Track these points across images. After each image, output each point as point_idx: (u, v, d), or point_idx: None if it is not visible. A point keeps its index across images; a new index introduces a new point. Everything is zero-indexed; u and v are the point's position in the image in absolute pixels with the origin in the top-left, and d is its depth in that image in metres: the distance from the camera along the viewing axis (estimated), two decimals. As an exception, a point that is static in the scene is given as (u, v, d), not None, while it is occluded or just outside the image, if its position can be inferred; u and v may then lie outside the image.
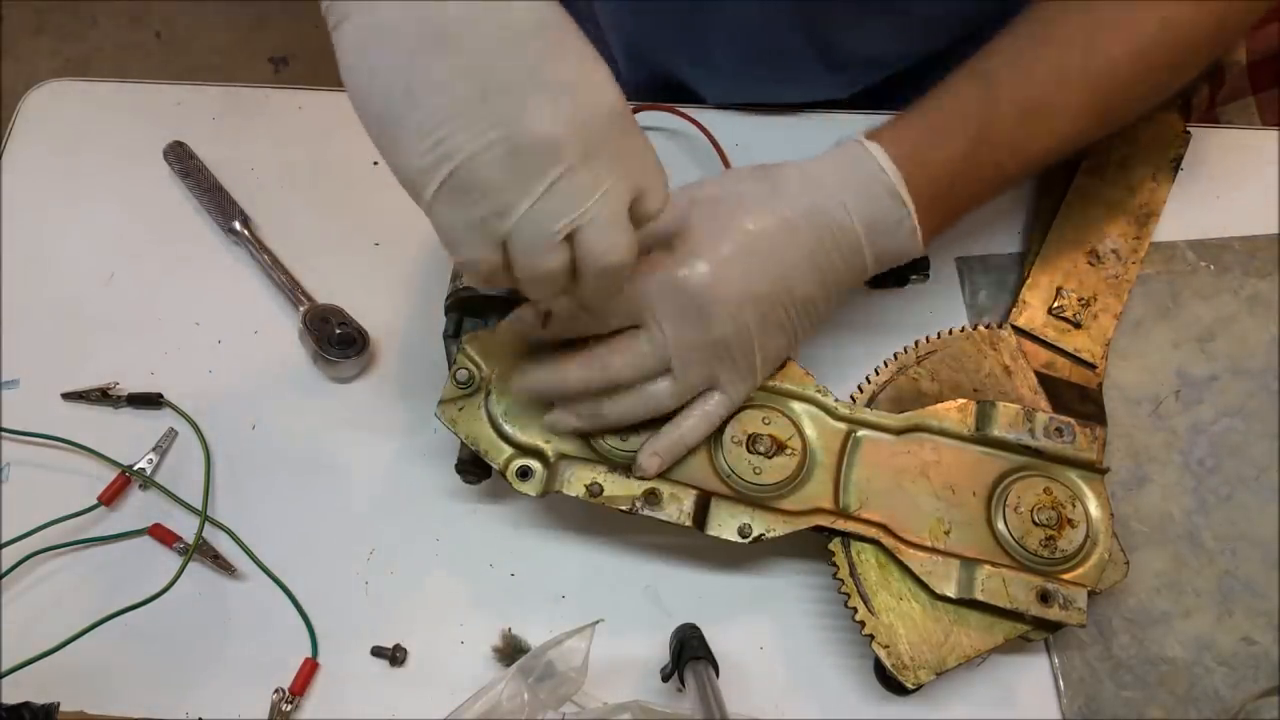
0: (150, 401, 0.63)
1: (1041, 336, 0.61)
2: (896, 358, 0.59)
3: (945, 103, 0.55)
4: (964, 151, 0.53)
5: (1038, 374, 0.59)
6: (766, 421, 0.55)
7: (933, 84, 0.56)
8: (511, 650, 0.56)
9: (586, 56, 0.43)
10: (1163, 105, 0.68)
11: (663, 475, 0.54)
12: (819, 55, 0.69)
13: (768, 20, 0.67)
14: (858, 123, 0.70)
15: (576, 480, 0.54)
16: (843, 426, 0.56)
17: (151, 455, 0.62)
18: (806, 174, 0.54)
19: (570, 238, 0.42)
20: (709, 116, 0.69)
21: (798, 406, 0.56)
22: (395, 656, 0.57)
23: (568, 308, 0.52)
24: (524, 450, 0.55)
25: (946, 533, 0.54)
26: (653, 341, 0.52)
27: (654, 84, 0.76)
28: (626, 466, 0.54)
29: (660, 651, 0.56)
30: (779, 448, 0.55)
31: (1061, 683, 0.57)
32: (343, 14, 0.41)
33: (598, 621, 0.51)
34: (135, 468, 0.61)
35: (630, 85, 0.79)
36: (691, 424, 0.54)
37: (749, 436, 0.55)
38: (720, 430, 0.55)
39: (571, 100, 0.41)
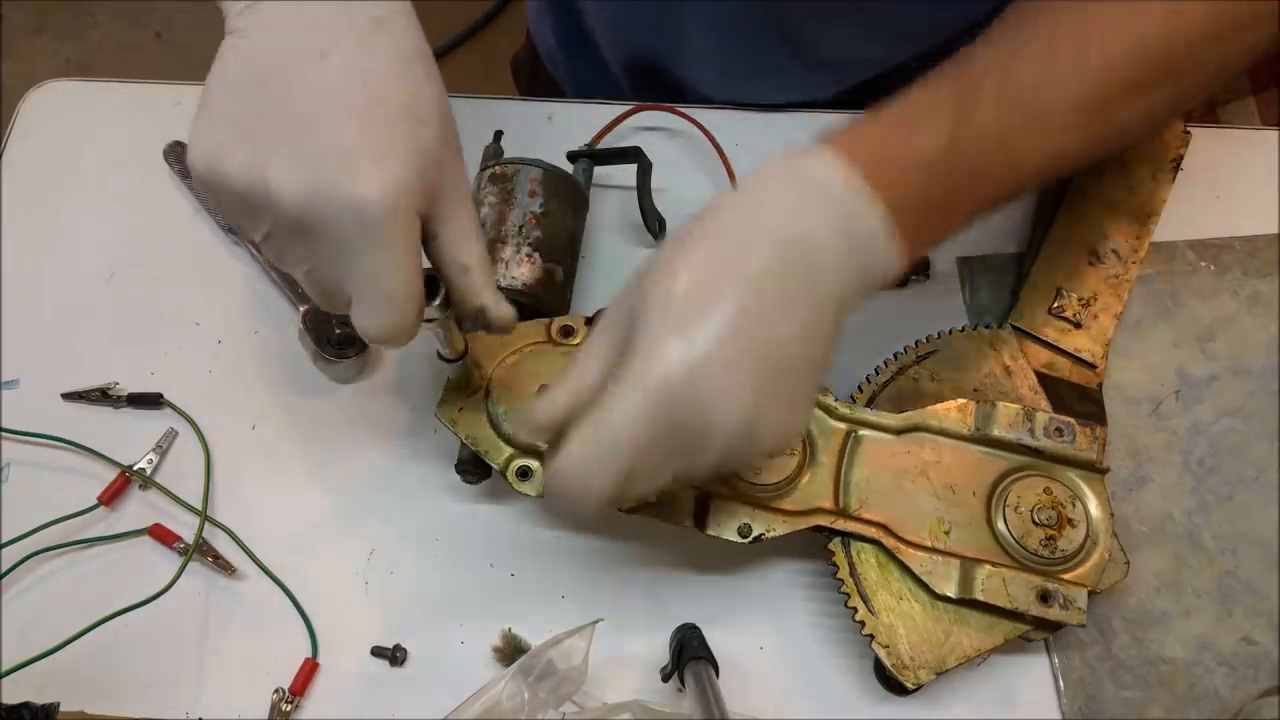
0: (150, 401, 0.63)
1: (1041, 336, 0.61)
2: (896, 358, 0.59)
3: (921, 96, 0.47)
4: (941, 147, 0.45)
5: (1038, 374, 0.59)
6: None
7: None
8: (511, 650, 0.57)
9: (370, 149, 0.41)
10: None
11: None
12: (793, 55, 0.69)
13: (739, 19, 0.68)
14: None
15: (576, 480, 0.53)
16: (843, 426, 0.56)
17: (151, 455, 0.62)
18: (752, 201, 0.44)
19: None
20: (709, 116, 0.69)
21: (798, 406, 0.56)
22: (395, 656, 0.57)
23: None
24: (524, 450, 0.55)
25: (946, 533, 0.54)
26: (665, 449, 0.42)
27: (647, 81, 0.76)
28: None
29: (660, 651, 0.56)
30: (779, 448, 0.55)
31: (1061, 683, 0.57)
32: (227, 31, 0.44)
33: (598, 621, 0.51)
34: (135, 468, 0.61)
35: (625, 83, 0.79)
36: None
37: (749, 436, 0.55)
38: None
39: (313, 175, 0.40)
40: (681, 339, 0.40)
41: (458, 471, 0.57)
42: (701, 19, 0.69)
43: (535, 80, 0.93)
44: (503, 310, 0.46)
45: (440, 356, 0.52)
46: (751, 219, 0.43)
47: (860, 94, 0.73)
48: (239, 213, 0.43)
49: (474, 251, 0.45)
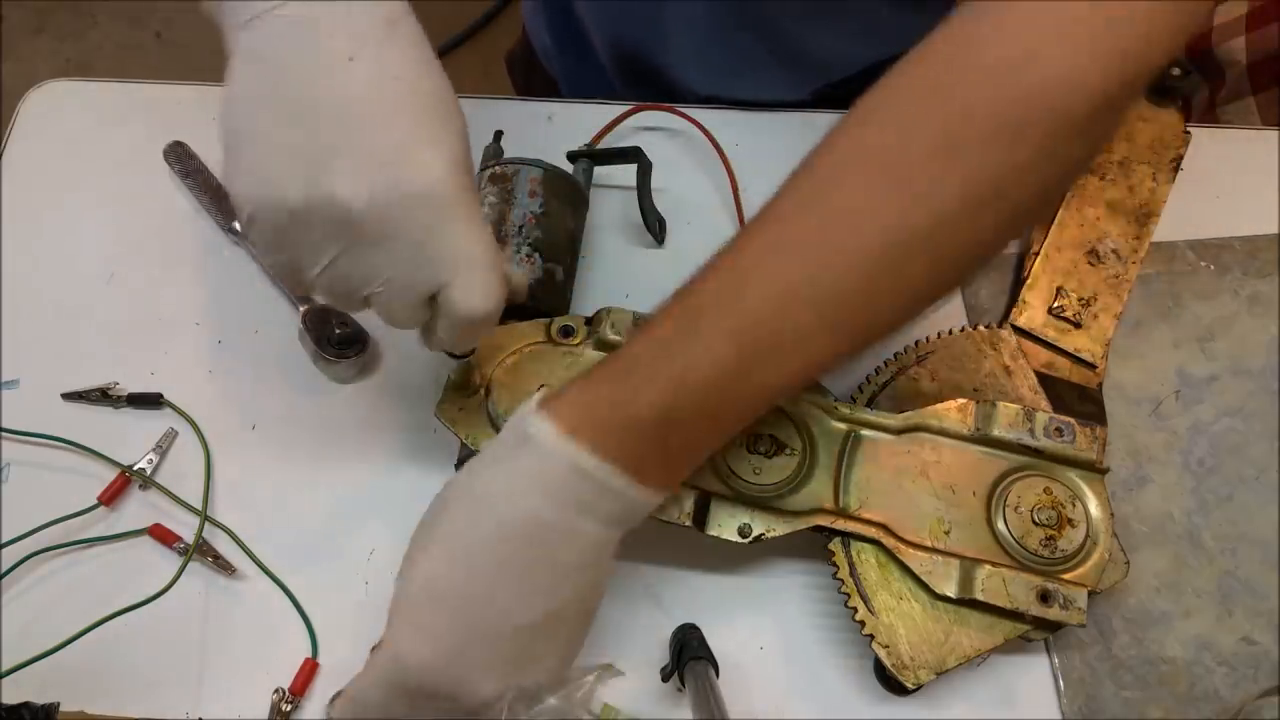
0: (150, 401, 0.63)
1: (1041, 336, 0.61)
2: (896, 358, 0.59)
3: (643, 346, 0.45)
4: (663, 403, 0.43)
5: (1038, 374, 0.59)
6: (766, 421, 0.55)
7: None
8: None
9: (423, 136, 0.42)
10: (1160, 105, 0.68)
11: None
12: (770, 52, 0.69)
13: (718, 16, 0.68)
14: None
15: (576, 480, 0.53)
16: (843, 426, 0.56)
17: (151, 455, 0.62)
18: (474, 495, 0.45)
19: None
20: (709, 116, 0.69)
21: (798, 406, 0.56)
22: (395, 656, 0.57)
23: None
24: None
25: (946, 533, 0.54)
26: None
27: (636, 78, 0.77)
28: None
29: (660, 651, 0.56)
30: (779, 448, 0.55)
31: (1061, 683, 0.57)
32: (228, 51, 0.43)
33: (610, 670, 0.50)
34: (135, 468, 0.61)
35: (616, 79, 0.79)
36: None
37: (749, 436, 0.55)
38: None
39: (379, 175, 0.41)
40: (412, 628, 0.44)
41: (457, 470, 0.57)
42: (682, 16, 0.69)
43: (530, 76, 0.93)
44: (516, 280, 0.50)
45: (449, 354, 0.52)
46: (476, 512, 0.44)
47: (845, 91, 0.73)
48: (303, 242, 0.42)
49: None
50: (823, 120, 0.72)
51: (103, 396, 0.63)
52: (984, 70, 0.41)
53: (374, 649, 0.46)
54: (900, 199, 0.42)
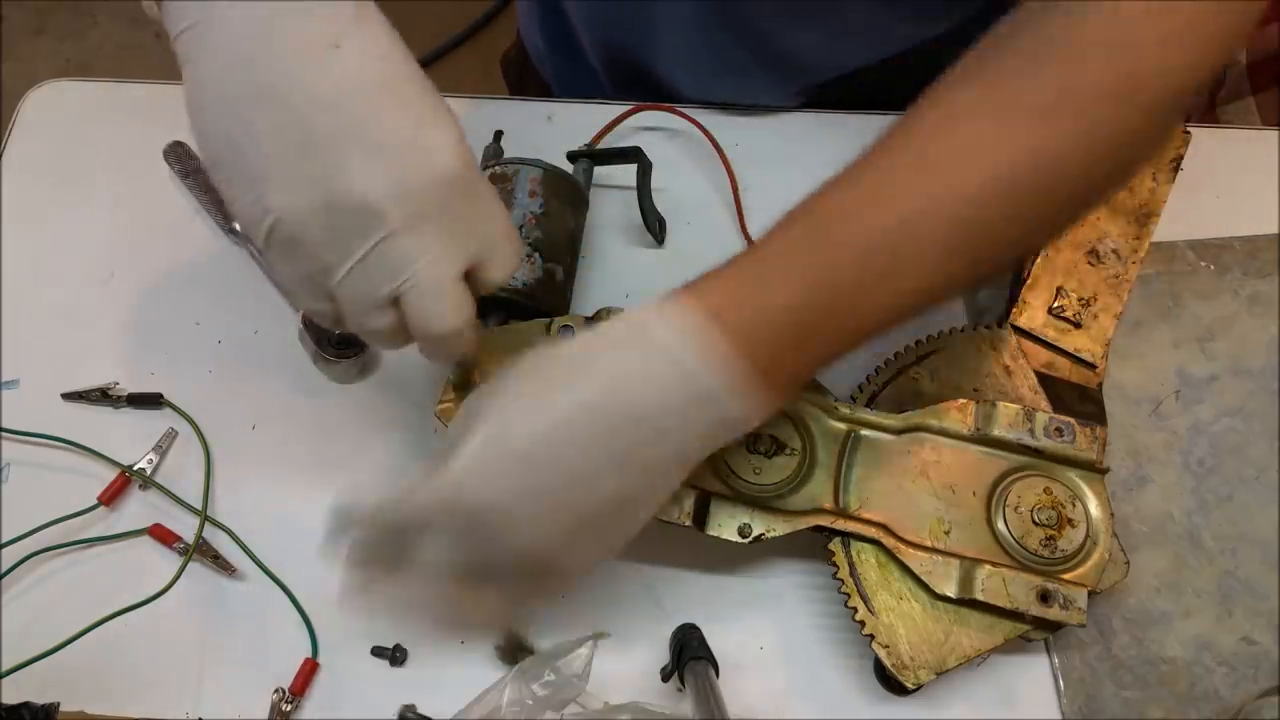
0: (150, 401, 0.63)
1: (1041, 336, 0.61)
2: (896, 358, 0.59)
3: (774, 247, 0.45)
4: (792, 306, 0.43)
5: (1038, 374, 0.59)
6: (766, 421, 0.55)
7: (884, 94, 0.52)
8: (514, 648, 0.56)
9: (427, 118, 0.41)
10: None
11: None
12: (752, 54, 0.69)
13: (703, 19, 0.68)
14: (858, 123, 0.71)
15: (576, 480, 0.53)
16: (843, 426, 0.56)
17: (151, 455, 0.62)
18: (587, 359, 0.44)
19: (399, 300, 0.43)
20: (709, 117, 0.69)
21: (798, 406, 0.56)
22: (395, 656, 0.57)
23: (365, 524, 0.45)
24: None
25: (946, 533, 0.54)
26: (424, 569, 0.44)
27: (627, 79, 0.77)
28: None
29: (660, 651, 0.56)
30: (779, 448, 0.55)
31: (1061, 683, 0.57)
32: (183, 57, 0.42)
33: (602, 635, 0.51)
34: (135, 468, 0.61)
35: (610, 84, 0.79)
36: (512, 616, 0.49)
37: (749, 436, 0.55)
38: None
39: (398, 162, 0.40)
40: (480, 464, 0.42)
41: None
42: (670, 18, 0.69)
43: (524, 78, 0.93)
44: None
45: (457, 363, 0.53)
46: (584, 374, 0.43)
47: (831, 95, 0.73)
48: (327, 245, 0.41)
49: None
50: (825, 121, 0.72)
51: (103, 396, 0.63)
52: (1091, 44, 0.44)
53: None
54: (1016, 146, 0.44)
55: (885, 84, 0.70)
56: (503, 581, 0.44)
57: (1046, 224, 0.48)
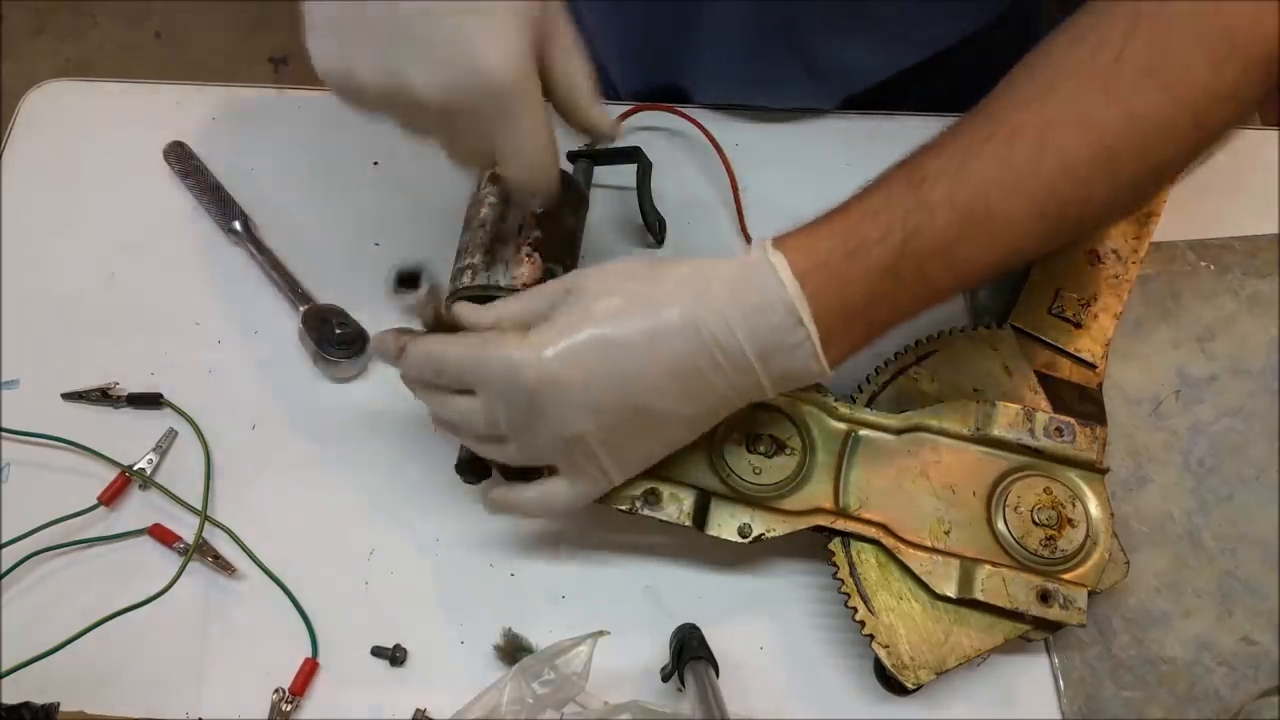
0: (150, 401, 0.63)
1: (1041, 336, 0.61)
2: (896, 358, 0.59)
3: (872, 204, 0.47)
4: (886, 264, 0.46)
5: (1038, 374, 0.59)
6: (766, 421, 0.55)
7: (916, 95, 0.53)
8: (513, 649, 0.56)
9: (480, 26, 0.44)
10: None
11: (662, 475, 0.54)
12: (800, 63, 0.69)
13: (749, 29, 0.68)
14: (859, 127, 0.71)
15: (576, 480, 0.53)
16: (843, 426, 0.56)
17: (151, 455, 0.62)
18: (694, 281, 0.47)
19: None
20: (709, 117, 0.69)
21: (798, 406, 0.56)
22: (395, 656, 0.57)
23: (422, 351, 0.51)
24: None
25: (946, 533, 0.54)
26: (483, 412, 0.49)
27: (650, 87, 0.76)
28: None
29: (660, 651, 0.56)
30: (779, 448, 0.55)
31: (1061, 683, 0.57)
32: None
33: (602, 633, 0.51)
34: (135, 468, 0.61)
35: (626, 88, 0.79)
36: (529, 498, 0.53)
37: (749, 436, 0.55)
38: (720, 430, 0.55)
39: (446, 66, 0.44)
40: (546, 345, 0.47)
41: (457, 472, 0.57)
42: (713, 33, 0.69)
43: None
44: (604, 122, 0.51)
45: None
46: (683, 296, 0.46)
47: (857, 99, 0.73)
48: (377, 108, 0.47)
49: (580, 70, 0.49)
50: (824, 123, 0.72)
51: (103, 396, 0.63)
52: (1185, 12, 0.46)
53: None
54: (1114, 109, 0.46)
55: (905, 85, 0.70)
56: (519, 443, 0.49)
57: (1140, 187, 0.49)
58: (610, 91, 0.80)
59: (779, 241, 0.47)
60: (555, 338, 0.46)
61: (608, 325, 0.46)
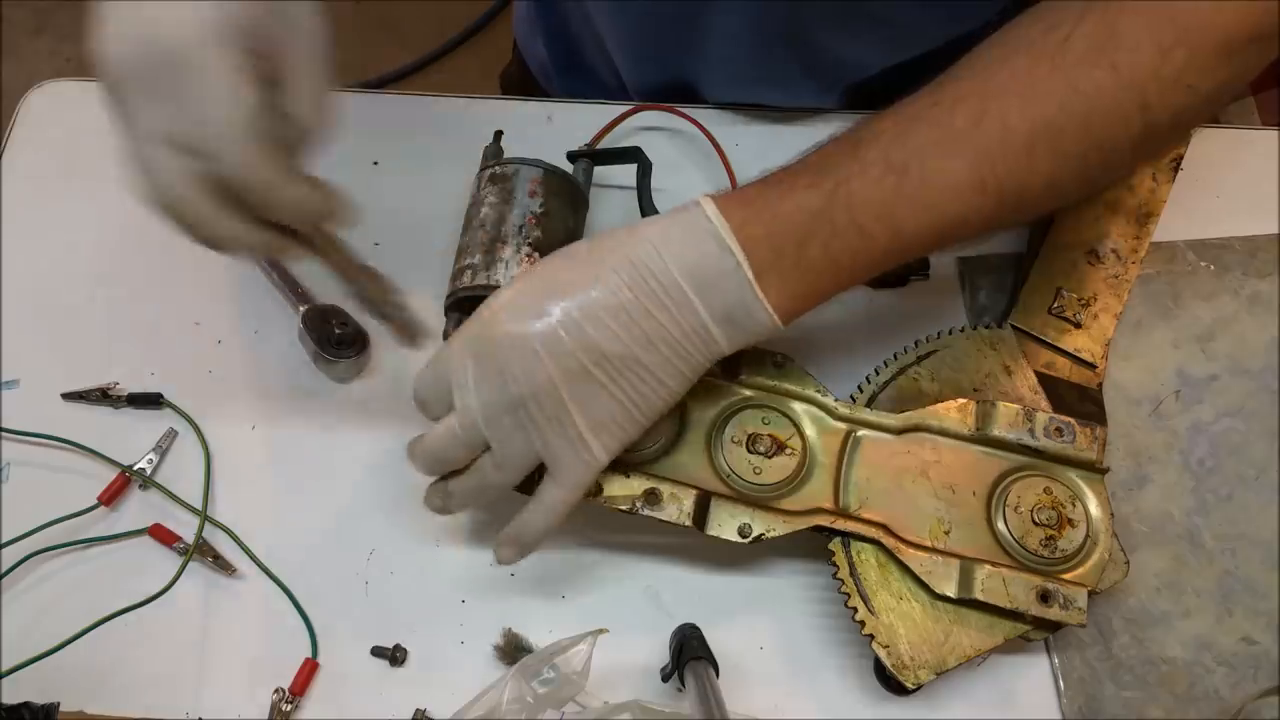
0: (150, 401, 0.63)
1: (1041, 336, 0.61)
2: (896, 358, 0.59)
3: (808, 160, 0.50)
4: (814, 206, 0.48)
5: (1038, 374, 0.59)
6: (766, 421, 0.55)
7: (905, 90, 0.53)
8: (513, 649, 0.57)
9: None
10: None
11: (662, 476, 0.54)
12: (803, 63, 0.69)
13: (754, 28, 0.68)
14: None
15: (576, 480, 0.53)
16: (843, 426, 0.56)
17: (151, 455, 0.62)
18: (630, 231, 0.50)
19: None
20: (709, 117, 0.69)
21: (798, 406, 0.56)
22: (395, 656, 0.57)
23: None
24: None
25: (946, 533, 0.54)
26: (459, 414, 0.50)
27: (656, 85, 0.76)
28: (626, 466, 0.54)
29: (660, 651, 0.56)
30: (779, 448, 0.55)
31: (1061, 683, 0.57)
32: None
33: (602, 631, 0.51)
34: (135, 468, 0.61)
35: (635, 86, 0.79)
36: (528, 516, 0.52)
37: (749, 436, 0.55)
38: (720, 430, 0.55)
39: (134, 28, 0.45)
40: (497, 299, 0.50)
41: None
42: (717, 33, 0.69)
43: (527, 94, 0.93)
44: (310, 115, 0.48)
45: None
46: (630, 238, 0.49)
47: (861, 95, 0.73)
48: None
49: (305, 60, 0.46)
50: (823, 123, 0.72)
51: (103, 396, 0.63)
52: (1140, 3, 0.47)
53: None
54: (1057, 81, 0.47)
55: (906, 84, 0.70)
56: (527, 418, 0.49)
57: (1085, 167, 0.49)
58: (619, 89, 0.80)
59: (720, 194, 0.50)
60: (505, 291, 0.50)
61: (550, 271, 0.50)
